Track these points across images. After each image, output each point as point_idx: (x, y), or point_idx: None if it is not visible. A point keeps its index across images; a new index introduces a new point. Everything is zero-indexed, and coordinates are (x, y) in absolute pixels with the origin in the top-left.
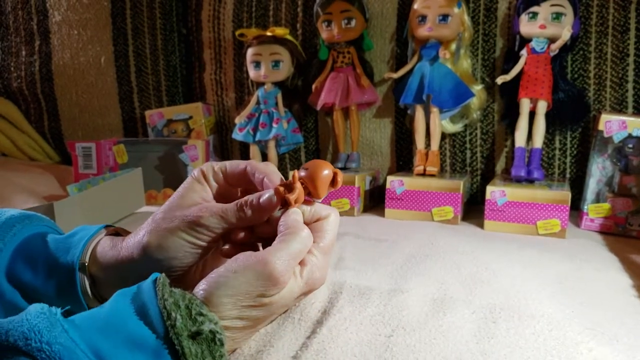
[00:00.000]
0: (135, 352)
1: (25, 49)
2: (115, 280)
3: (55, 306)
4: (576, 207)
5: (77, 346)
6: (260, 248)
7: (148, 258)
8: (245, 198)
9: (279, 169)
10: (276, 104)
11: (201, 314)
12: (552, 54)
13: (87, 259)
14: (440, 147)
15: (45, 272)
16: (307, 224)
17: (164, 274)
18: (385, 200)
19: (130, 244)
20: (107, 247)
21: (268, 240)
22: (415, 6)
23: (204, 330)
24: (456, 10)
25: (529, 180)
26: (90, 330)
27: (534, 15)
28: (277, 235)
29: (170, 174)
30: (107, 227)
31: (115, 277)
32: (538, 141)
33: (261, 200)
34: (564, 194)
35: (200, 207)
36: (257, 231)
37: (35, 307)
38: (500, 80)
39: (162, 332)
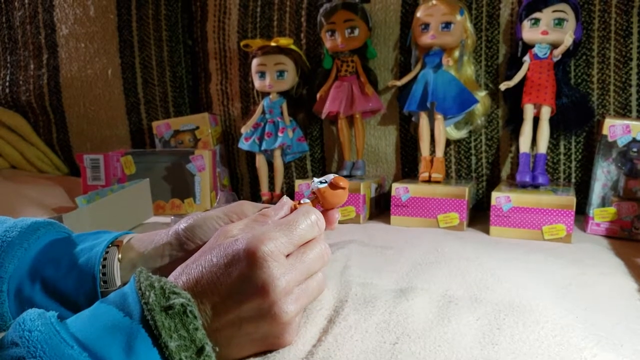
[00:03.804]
0: (116, 334)
1: (33, 63)
2: (144, 265)
3: (72, 302)
4: (582, 212)
5: (58, 333)
6: None
7: (184, 239)
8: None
9: (285, 177)
10: (281, 113)
11: (174, 292)
12: (554, 59)
13: (122, 242)
14: (445, 153)
15: (67, 267)
16: None
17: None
18: (391, 208)
19: (164, 231)
20: (142, 236)
21: None
22: (418, 14)
23: (175, 304)
24: (459, 17)
25: (534, 186)
26: (75, 323)
27: (536, 21)
28: None
29: (178, 184)
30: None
31: (144, 263)
32: (542, 146)
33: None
34: (569, 198)
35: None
36: None
37: (31, 309)
38: (503, 86)
39: (139, 312)
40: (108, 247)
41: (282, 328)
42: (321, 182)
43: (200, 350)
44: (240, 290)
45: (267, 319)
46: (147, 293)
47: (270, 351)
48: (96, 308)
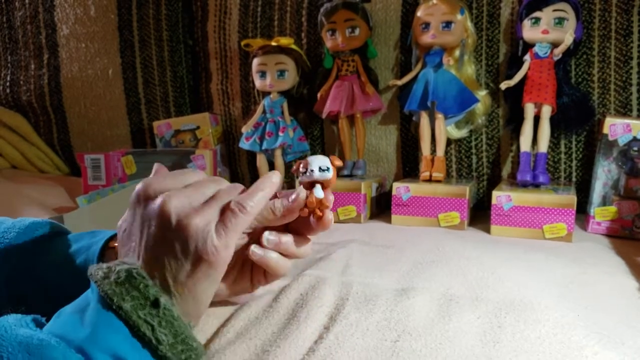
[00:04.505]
0: (76, 315)
1: (34, 63)
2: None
3: (70, 301)
4: (582, 211)
5: (26, 324)
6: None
7: None
8: (275, 200)
9: (285, 177)
10: (282, 112)
11: (118, 264)
12: (555, 58)
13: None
14: (446, 152)
15: (66, 269)
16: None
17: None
18: (392, 207)
19: None
20: None
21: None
22: (419, 14)
23: (120, 270)
24: (459, 16)
25: (535, 185)
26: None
27: (537, 20)
28: (306, 229)
29: None
30: None
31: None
32: (543, 145)
33: (290, 198)
34: (570, 197)
35: None
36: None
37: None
38: (504, 85)
39: (97, 295)
40: (105, 249)
41: (184, 228)
42: (321, 170)
43: (155, 304)
44: (155, 236)
45: (171, 230)
46: (96, 273)
47: (272, 346)
48: (64, 308)
